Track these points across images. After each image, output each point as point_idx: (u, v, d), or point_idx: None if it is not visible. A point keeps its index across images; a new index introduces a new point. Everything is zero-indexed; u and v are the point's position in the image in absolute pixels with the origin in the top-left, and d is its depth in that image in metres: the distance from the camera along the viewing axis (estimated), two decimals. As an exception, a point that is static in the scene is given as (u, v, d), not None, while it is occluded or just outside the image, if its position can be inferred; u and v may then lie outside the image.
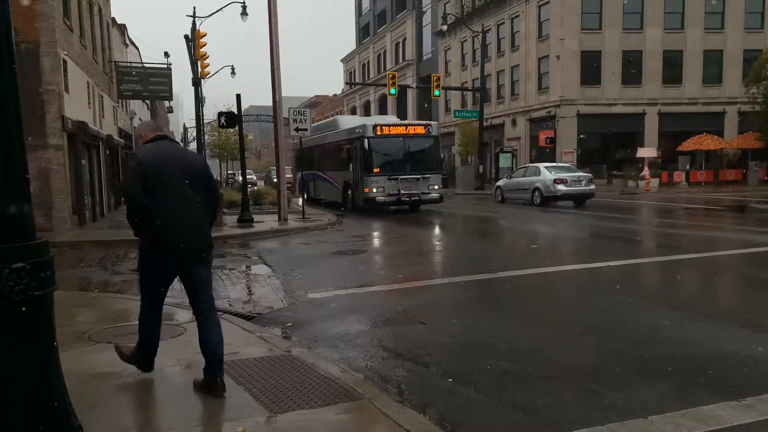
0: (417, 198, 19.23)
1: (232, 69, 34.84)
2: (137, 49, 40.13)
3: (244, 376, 4.23)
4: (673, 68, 35.79)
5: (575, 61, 35.03)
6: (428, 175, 19.43)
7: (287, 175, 32.47)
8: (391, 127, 19.60)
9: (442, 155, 20.21)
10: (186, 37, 23.47)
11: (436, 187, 19.76)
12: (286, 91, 19.47)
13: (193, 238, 3.91)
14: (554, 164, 24.64)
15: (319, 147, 24.76)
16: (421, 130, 19.88)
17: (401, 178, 18.95)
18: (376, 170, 18.95)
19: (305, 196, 26.11)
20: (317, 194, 25.37)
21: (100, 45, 22.90)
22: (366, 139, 19.07)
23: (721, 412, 3.69)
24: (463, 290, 7.70)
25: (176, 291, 8.02)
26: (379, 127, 19.21)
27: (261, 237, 14.22)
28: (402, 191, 18.91)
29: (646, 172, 31.31)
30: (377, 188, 18.83)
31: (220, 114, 17.58)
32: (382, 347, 5.29)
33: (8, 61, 2.09)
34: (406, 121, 21.48)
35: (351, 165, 20.32)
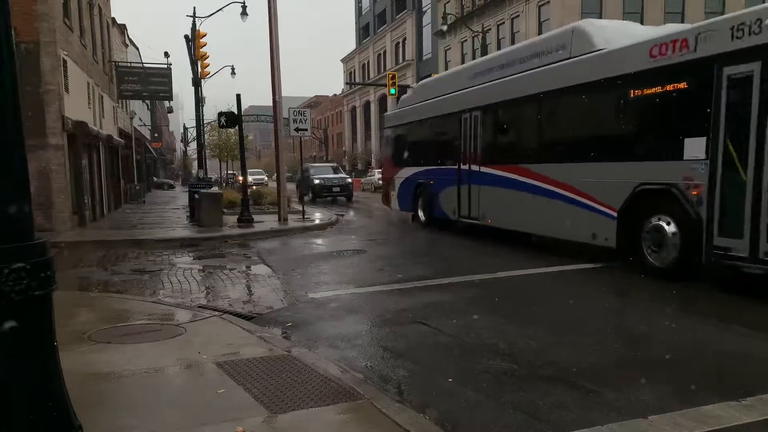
0: None
1: (232, 69, 34.81)
2: (137, 49, 40.13)
3: (244, 376, 4.23)
4: (673, 68, 35.71)
5: (575, 61, 34.96)
6: None
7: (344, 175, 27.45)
8: None
9: None
10: (186, 37, 23.45)
11: None
12: (286, 91, 19.44)
13: None
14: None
15: (502, 109, 11.49)
16: None
17: None
18: None
19: (423, 216, 14.99)
20: (479, 216, 12.23)
21: (100, 45, 22.90)
22: None
23: (721, 412, 3.68)
24: (463, 290, 7.70)
25: (176, 291, 8.06)
26: None
27: (261, 237, 14.22)
28: None
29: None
30: None
31: (220, 114, 17.58)
32: (382, 347, 5.29)
33: (8, 61, 2.09)
34: None
35: (707, 145, 7.24)
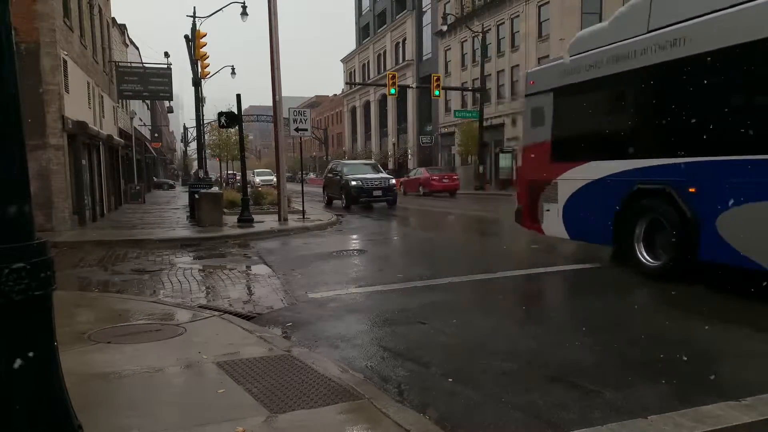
0: None
1: (232, 69, 34.83)
2: (137, 49, 40.18)
3: (244, 376, 4.23)
4: (673, 68, 35.46)
5: (575, 61, 34.88)
6: None
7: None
8: None
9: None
10: (186, 37, 23.46)
11: None
12: (286, 91, 19.44)
13: None
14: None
15: None
16: None
17: None
18: None
19: (649, 257, 7.76)
20: None
21: (100, 45, 22.92)
22: None
23: (721, 412, 3.68)
24: (463, 290, 7.70)
25: (176, 291, 8.06)
26: None
27: (261, 237, 14.22)
28: None
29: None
30: None
31: (220, 114, 17.59)
32: (382, 347, 5.28)
33: (8, 62, 2.09)
34: None
35: None
